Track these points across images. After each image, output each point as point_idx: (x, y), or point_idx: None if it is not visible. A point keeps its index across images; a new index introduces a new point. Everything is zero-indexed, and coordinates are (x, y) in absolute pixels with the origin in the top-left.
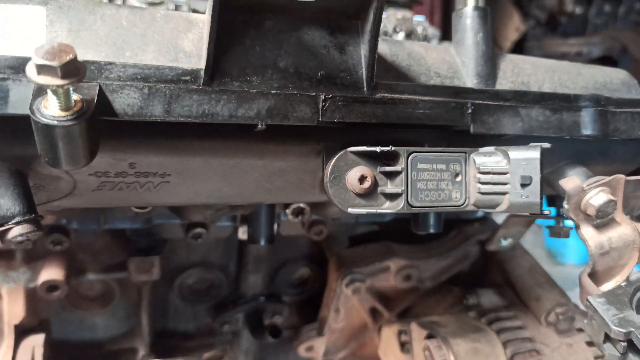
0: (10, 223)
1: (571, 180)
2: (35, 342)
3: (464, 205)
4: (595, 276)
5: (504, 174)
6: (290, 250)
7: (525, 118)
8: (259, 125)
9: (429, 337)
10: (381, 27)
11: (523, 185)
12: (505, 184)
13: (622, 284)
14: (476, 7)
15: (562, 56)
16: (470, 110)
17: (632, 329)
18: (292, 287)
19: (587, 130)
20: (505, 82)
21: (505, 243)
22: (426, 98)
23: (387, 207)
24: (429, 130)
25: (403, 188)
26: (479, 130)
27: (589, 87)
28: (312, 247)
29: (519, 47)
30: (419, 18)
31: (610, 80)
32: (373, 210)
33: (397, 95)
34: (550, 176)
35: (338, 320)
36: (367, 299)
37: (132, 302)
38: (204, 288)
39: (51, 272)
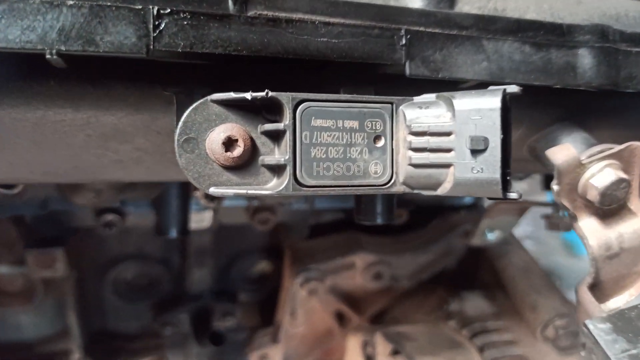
0: None
1: (563, 150)
2: None
3: (389, 184)
4: (600, 288)
5: (447, 134)
6: (243, 241)
7: (493, 55)
8: (49, 56)
9: (395, 352)
10: None
11: (474, 152)
12: (448, 150)
13: (638, 303)
14: None
15: None
16: (404, 41)
17: None
18: (250, 283)
19: (588, 76)
20: (468, 6)
21: (491, 236)
22: (333, 20)
23: (270, 187)
24: (343, 72)
25: (288, 157)
26: (420, 72)
27: (592, 20)
28: (271, 238)
29: None
30: None
31: (626, 12)
32: (244, 191)
33: (283, 14)
34: (537, 145)
35: (296, 325)
36: (330, 301)
37: (59, 298)
38: (142, 283)
39: None
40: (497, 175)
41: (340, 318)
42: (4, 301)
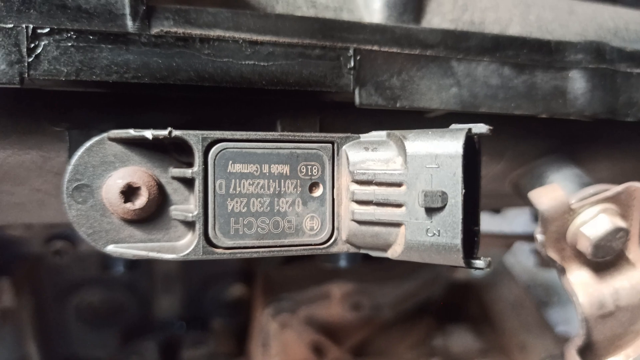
0: None
1: (550, 192)
2: None
3: (329, 242)
4: (592, 349)
5: (397, 185)
6: (214, 265)
7: (464, 80)
8: None
9: None
10: None
11: (430, 210)
12: (398, 205)
13: None
14: None
15: None
16: (352, 64)
17: None
18: (225, 309)
19: (580, 103)
20: (438, 19)
21: (477, 269)
22: (262, 38)
23: (179, 247)
24: (281, 101)
25: (197, 212)
26: (372, 101)
27: (587, 35)
28: (246, 261)
29: None
30: None
31: (625, 25)
32: (144, 254)
33: (198, 32)
34: (520, 181)
35: (269, 356)
36: (306, 332)
37: (17, 326)
38: (108, 309)
39: None
40: (458, 240)
41: (318, 350)
42: None
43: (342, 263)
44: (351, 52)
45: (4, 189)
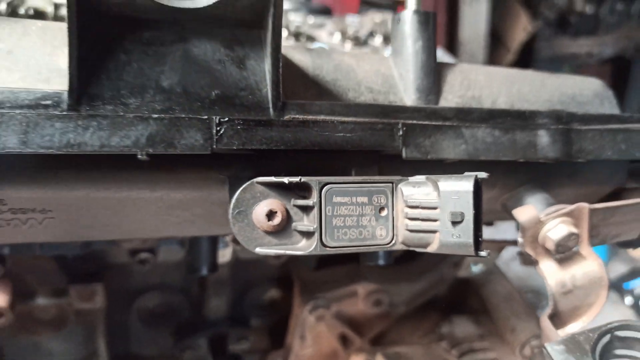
0: None
1: (526, 210)
2: None
3: (391, 244)
4: (558, 318)
5: (434, 208)
6: (255, 272)
7: (470, 139)
8: (139, 156)
9: None
10: (355, 32)
11: (454, 223)
12: (435, 220)
13: (586, 330)
14: (417, 12)
15: (572, 57)
16: (401, 132)
17: None
18: (261, 310)
19: (546, 152)
20: (452, 97)
21: (476, 269)
22: (347, 119)
23: (301, 247)
24: (355, 156)
25: (315, 226)
26: (413, 155)
27: (553, 101)
28: (281, 269)
29: (528, 49)
30: None
31: (580, 91)
32: (282, 252)
33: (310, 117)
34: (507, 202)
35: (304, 347)
36: (335, 325)
37: (88, 325)
38: (165, 312)
39: None
40: (471, 240)
41: (344, 340)
42: (38, 329)
43: (380, 262)
44: (400, 125)
45: (174, 213)
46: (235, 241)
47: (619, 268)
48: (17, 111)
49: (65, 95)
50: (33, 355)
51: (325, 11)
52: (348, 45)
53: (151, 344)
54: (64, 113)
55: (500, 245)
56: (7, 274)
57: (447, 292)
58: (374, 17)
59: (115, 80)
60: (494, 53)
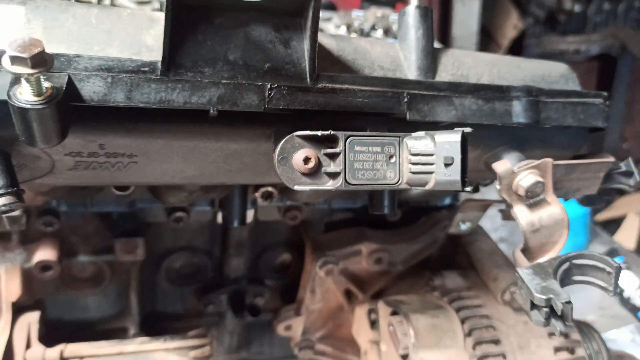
0: None
1: (503, 164)
2: (31, 319)
3: (398, 183)
4: (529, 252)
5: (431, 155)
6: (271, 236)
7: (459, 107)
8: (211, 111)
9: (393, 313)
10: (360, 25)
11: (446, 165)
12: (431, 164)
13: (550, 259)
14: (418, 6)
15: (560, 54)
16: (406, 100)
17: (551, 296)
18: (274, 272)
19: (518, 118)
20: (445, 74)
21: (464, 227)
22: (365, 88)
23: (329, 185)
24: (370, 118)
25: (341, 168)
26: (415, 118)
27: (526, 80)
28: (292, 234)
29: (518, 45)
30: (396, 17)
31: (549, 73)
32: (316, 187)
33: (337, 85)
34: (489, 160)
35: (314, 301)
36: (341, 281)
37: (122, 283)
38: (190, 271)
39: (45, 253)
40: (459, 177)
41: (349, 296)
42: (75, 286)
43: (386, 210)
44: (405, 94)
45: (228, 161)
46: (264, 197)
47: (599, 249)
48: (124, 75)
49: (158, 64)
50: (70, 309)
51: (331, 6)
52: (354, 36)
53: (176, 301)
54: (158, 77)
55: (485, 204)
56: (55, 232)
57: (439, 252)
58: (376, 12)
59: (194, 54)
60: (486, 49)
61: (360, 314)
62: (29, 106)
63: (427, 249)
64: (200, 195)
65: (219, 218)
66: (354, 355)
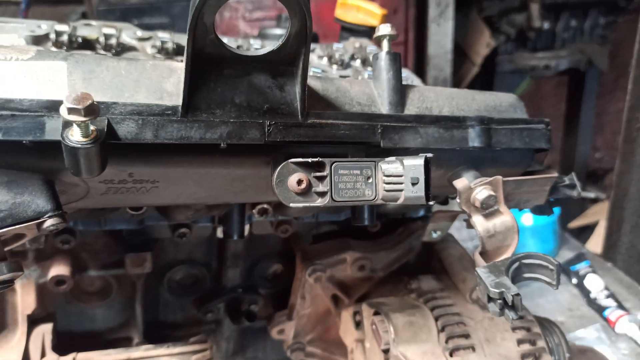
0: (45, 216)
1: (462, 181)
2: (45, 330)
3: (374, 199)
4: (486, 254)
5: (400, 176)
6: (264, 248)
7: (424, 135)
8: (222, 145)
9: (376, 314)
10: (340, 56)
11: (413, 184)
12: (401, 183)
13: (502, 259)
14: (388, 52)
15: (531, 69)
16: (380, 130)
17: (503, 289)
18: (267, 281)
19: (473, 142)
20: (412, 107)
21: (435, 235)
22: (346, 122)
23: (318, 202)
24: (351, 146)
25: (328, 188)
26: (388, 145)
27: (480, 110)
28: (283, 246)
29: (491, 62)
30: (372, 47)
31: (500, 103)
32: (307, 204)
33: (324, 121)
34: (450, 178)
35: (304, 307)
36: (328, 287)
37: (127, 295)
38: (190, 282)
39: (59, 269)
40: (423, 194)
41: (336, 300)
42: (84, 299)
43: (365, 222)
44: (379, 126)
45: (233, 183)
46: (260, 213)
47: (567, 254)
48: (152, 117)
49: (179, 108)
50: (79, 320)
51: (315, 38)
52: (334, 67)
53: (177, 311)
54: (179, 119)
55: (453, 214)
56: (72, 248)
57: (415, 258)
58: (354, 43)
59: (207, 99)
60: (460, 66)
61: (346, 316)
62: (79, 146)
63: (404, 256)
64: (205, 212)
65: (219, 233)
66: (342, 356)
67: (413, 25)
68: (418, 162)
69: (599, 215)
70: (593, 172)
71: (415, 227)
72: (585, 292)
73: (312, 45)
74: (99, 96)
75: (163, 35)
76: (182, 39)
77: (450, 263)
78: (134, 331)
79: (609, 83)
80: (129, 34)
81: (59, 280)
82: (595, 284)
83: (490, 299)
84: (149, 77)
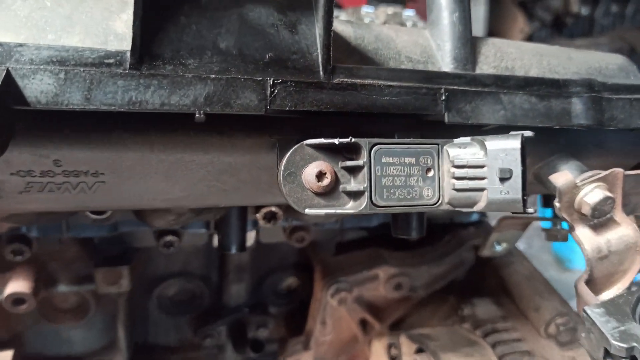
0: None
1: (562, 175)
2: (3, 358)
3: (437, 203)
4: (594, 283)
5: (481, 167)
6: (275, 258)
7: (508, 105)
8: (197, 115)
9: (419, 351)
10: (371, 22)
11: (502, 180)
12: (482, 178)
13: (624, 292)
14: None
15: None
16: (443, 97)
17: (635, 344)
18: (280, 297)
19: (579, 119)
20: (486, 67)
21: (499, 248)
22: (392, 83)
23: (350, 207)
24: (399, 120)
25: (366, 185)
26: (455, 120)
27: (581, 73)
28: (299, 255)
29: None
30: (409, 12)
31: (606, 65)
32: (333, 211)
33: (358, 80)
34: (540, 171)
35: (325, 333)
36: (355, 310)
37: (109, 314)
38: (185, 299)
39: (17, 285)
40: (519, 196)
41: (364, 326)
42: (57, 318)
43: (413, 234)
44: (442, 90)
45: (221, 178)
46: (266, 218)
47: None
48: (82, 69)
49: (127, 55)
50: (53, 342)
51: (336, 5)
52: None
53: (170, 332)
54: (127, 71)
55: (525, 222)
56: (31, 259)
57: (466, 275)
58: (387, 10)
59: (175, 42)
60: None
61: (378, 348)
62: None
63: (452, 272)
64: (191, 217)
65: (215, 241)
66: None
67: None
68: (512, 144)
69: None
70: None
71: (466, 234)
72: None
73: (335, 12)
74: (7, 36)
75: None
76: None
77: (517, 284)
78: (117, 356)
79: None
80: None
81: (16, 299)
82: None
83: (608, 354)
84: (88, 11)
